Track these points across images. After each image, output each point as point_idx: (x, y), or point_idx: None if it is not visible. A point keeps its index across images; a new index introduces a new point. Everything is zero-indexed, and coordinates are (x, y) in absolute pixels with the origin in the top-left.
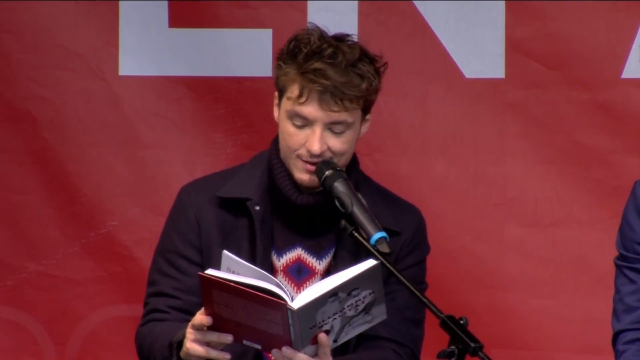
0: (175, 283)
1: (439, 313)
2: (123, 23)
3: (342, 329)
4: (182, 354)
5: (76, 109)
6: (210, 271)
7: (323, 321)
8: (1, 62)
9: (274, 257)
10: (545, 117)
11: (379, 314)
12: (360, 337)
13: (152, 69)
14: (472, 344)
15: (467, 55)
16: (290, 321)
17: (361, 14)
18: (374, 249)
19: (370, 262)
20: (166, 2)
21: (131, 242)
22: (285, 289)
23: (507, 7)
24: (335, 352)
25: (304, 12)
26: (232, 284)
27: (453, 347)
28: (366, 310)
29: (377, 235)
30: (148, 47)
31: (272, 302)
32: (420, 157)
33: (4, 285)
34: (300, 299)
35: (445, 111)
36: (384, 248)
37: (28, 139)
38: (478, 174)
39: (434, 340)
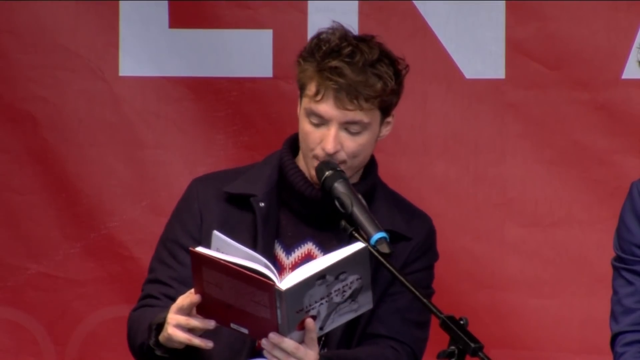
0: (171, 272)
1: (439, 313)
2: (123, 23)
3: (328, 315)
4: (161, 338)
5: (76, 110)
6: (200, 248)
7: (310, 305)
8: (1, 62)
9: (282, 254)
10: (545, 118)
11: (365, 302)
12: (361, 336)
13: (152, 70)
14: (472, 344)
15: (468, 55)
16: (278, 303)
17: (361, 14)
18: (374, 249)
19: (358, 245)
20: (166, 2)
21: (131, 243)
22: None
23: (508, 8)
24: (337, 348)
25: (304, 12)
26: (221, 261)
27: (453, 347)
28: (353, 297)
29: (377, 235)
30: (148, 48)
31: (260, 282)
32: (421, 157)
33: (4, 286)
34: (288, 281)
35: (446, 111)
36: (384, 248)
37: (28, 139)
38: (478, 174)
39: (434, 340)
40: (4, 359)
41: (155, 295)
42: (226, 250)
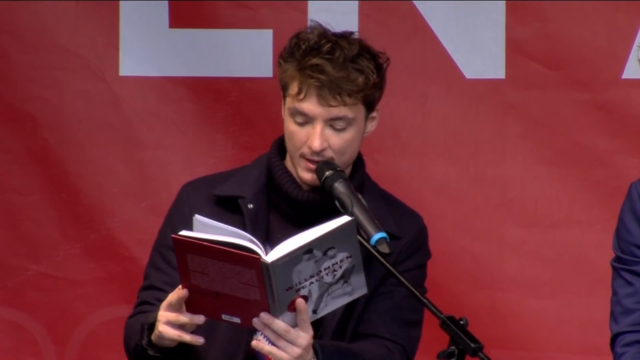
0: (165, 277)
1: (439, 313)
2: (123, 23)
3: (320, 297)
4: (153, 337)
5: (76, 110)
6: (183, 232)
7: (300, 283)
8: (1, 62)
9: None
10: (545, 118)
11: (359, 285)
12: (353, 335)
13: (152, 70)
14: (472, 345)
15: (468, 55)
16: (266, 280)
17: (361, 14)
18: (374, 249)
19: (344, 218)
20: (166, 2)
21: (131, 243)
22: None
23: (508, 8)
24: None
25: (304, 12)
26: (204, 242)
27: (453, 347)
28: (345, 278)
29: (377, 235)
30: (148, 48)
31: (245, 258)
32: (421, 157)
33: (4, 286)
34: (273, 254)
35: (446, 112)
36: (384, 248)
37: (28, 139)
38: (478, 174)
39: (434, 341)
40: (4, 359)
41: (150, 302)
42: (209, 232)
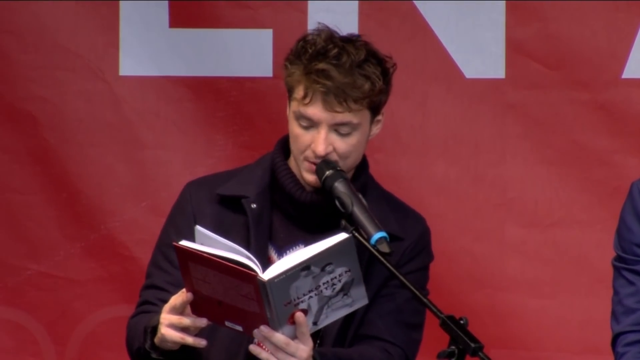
0: (167, 277)
1: (439, 313)
2: (123, 23)
3: (320, 309)
4: (156, 339)
5: (76, 110)
6: (184, 242)
7: (298, 298)
8: (1, 62)
9: (274, 256)
10: (545, 118)
11: (359, 297)
12: (354, 338)
13: (152, 69)
14: (472, 344)
15: (468, 55)
16: (263, 295)
17: (362, 14)
18: (374, 248)
19: (341, 236)
20: (166, 2)
21: (132, 243)
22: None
23: (508, 8)
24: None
25: (304, 12)
26: (204, 254)
27: (453, 347)
28: (344, 291)
29: (377, 235)
30: (148, 48)
31: (243, 274)
32: (421, 157)
33: (4, 286)
34: (270, 271)
35: (446, 112)
36: (384, 248)
37: (28, 139)
38: (478, 174)
39: (434, 340)
40: (4, 359)
41: (152, 301)
42: (209, 244)
